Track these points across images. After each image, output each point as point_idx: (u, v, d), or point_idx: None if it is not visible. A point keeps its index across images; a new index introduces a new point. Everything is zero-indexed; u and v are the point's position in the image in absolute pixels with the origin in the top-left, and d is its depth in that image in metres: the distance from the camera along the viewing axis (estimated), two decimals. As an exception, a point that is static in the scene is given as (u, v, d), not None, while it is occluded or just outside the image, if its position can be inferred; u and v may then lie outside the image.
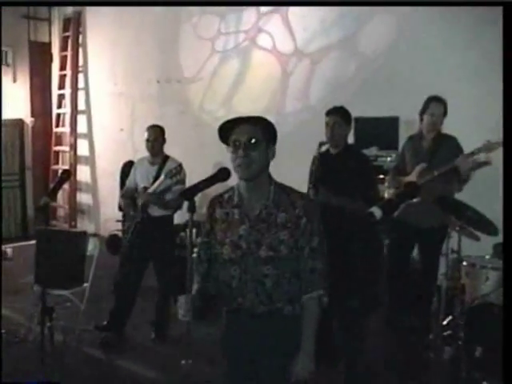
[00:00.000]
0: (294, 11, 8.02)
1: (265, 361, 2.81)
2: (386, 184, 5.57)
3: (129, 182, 5.91)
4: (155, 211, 5.59)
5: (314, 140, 4.82)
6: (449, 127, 5.46)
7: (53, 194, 4.34)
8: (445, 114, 5.31)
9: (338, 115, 4.85)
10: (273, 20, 8.28)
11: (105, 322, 5.79)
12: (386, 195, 5.39)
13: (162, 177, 5.31)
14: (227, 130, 2.72)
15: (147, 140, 5.68)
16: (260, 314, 2.77)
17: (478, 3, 5.68)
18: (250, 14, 8.55)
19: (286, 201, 2.74)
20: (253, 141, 2.66)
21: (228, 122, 2.72)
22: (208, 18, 9.05)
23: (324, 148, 4.92)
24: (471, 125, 6.11)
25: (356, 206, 4.42)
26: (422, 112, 5.35)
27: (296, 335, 2.75)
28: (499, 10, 5.92)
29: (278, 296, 2.75)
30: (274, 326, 2.78)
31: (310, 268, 2.74)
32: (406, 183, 5.10)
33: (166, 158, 5.74)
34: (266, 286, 2.74)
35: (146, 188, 5.56)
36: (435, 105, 5.28)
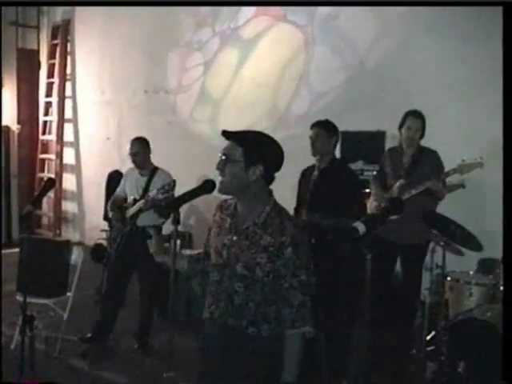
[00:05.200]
0: (283, 23, 8.07)
1: (232, 375, 2.79)
2: (371, 196, 5.55)
3: (118, 191, 5.91)
4: (143, 222, 5.58)
5: (294, 158, 4.80)
6: (436, 142, 5.47)
7: (37, 203, 4.31)
8: (423, 128, 5.29)
9: (322, 128, 4.85)
10: (260, 32, 8.31)
11: (89, 334, 5.75)
12: (368, 210, 5.38)
13: (155, 191, 5.28)
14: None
15: (129, 154, 5.69)
16: (228, 328, 2.75)
17: (478, 3, 5.69)
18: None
19: (277, 225, 2.68)
20: (223, 157, 2.68)
21: (223, 133, 2.73)
22: (196, 30, 9.07)
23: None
24: (459, 140, 6.14)
25: (342, 221, 4.41)
26: (400, 126, 5.35)
27: (261, 356, 2.72)
28: (490, 25, 6.01)
29: (244, 315, 2.71)
30: (240, 343, 2.73)
31: (300, 302, 2.66)
32: (390, 199, 5.10)
33: (155, 169, 5.73)
34: (235, 303, 2.72)
35: (135, 200, 5.56)
36: (412, 119, 5.27)
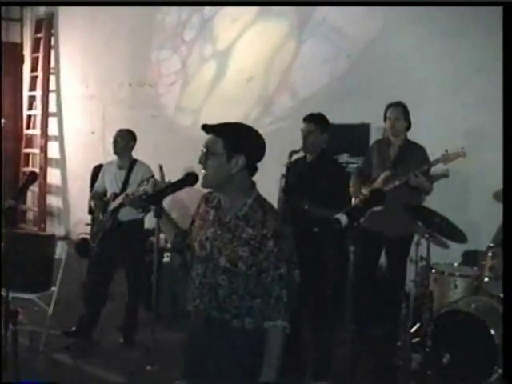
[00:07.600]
0: (266, 21, 8.06)
1: (216, 368, 2.76)
2: (350, 187, 5.55)
3: (97, 186, 5.88)
4: (125, 216, 5.55)
5: (279, 150, 4.79)
6: (420, 135, 5.49)
7: (19, 197, 4.27)
8: (406, 118, 5.39)
9: (314, 124, 4.82)
10: (247, 30, 8.29)
11: (73, 328, 5.73)
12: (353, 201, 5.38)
13: (135, 186, 5.25)
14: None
15: (114, 137, 5.69)
16: (213, 321, 2.73)
17: (478, 3, 5.71)
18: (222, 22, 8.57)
19: (259, 218, 2.65)
20: (204, 150, 2.67)
21: (202, 127, 2.72)
22: (182, 23, 9.04)
23: (295, 156, 4.92)
24: (443, 132, 6.16)
25: (328, 213, 4.41)
26: (384, 119, 5.47)
27: (245, 349, 2.69)
28: (475, 20, 6.03)
29: (228, 308, 2.68)
30: (224, 336, 2.72)
31: (277, 296, 2.62)
32: (372, 190, 5.10)
33: (134, 161, 5.70)
34: (218, 296, 2.70)
35: (115, 194, 5.53)
36: (391, 109, 5.41)
